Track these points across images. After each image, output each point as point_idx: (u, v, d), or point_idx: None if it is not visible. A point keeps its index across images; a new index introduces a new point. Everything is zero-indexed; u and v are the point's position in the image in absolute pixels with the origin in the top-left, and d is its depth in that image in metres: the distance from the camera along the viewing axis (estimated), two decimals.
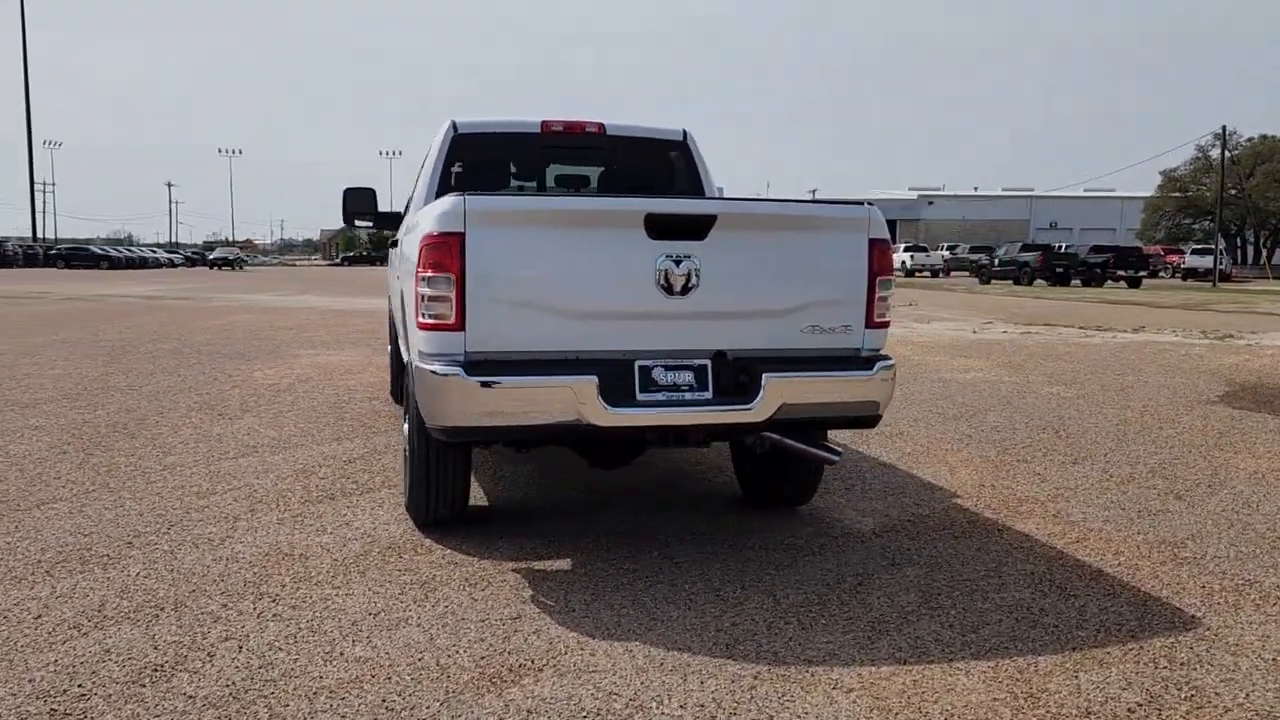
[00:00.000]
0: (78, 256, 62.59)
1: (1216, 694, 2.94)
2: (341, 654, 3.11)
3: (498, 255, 3.66)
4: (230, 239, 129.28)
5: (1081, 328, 16.84)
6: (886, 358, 4.10)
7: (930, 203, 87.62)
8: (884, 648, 3.24)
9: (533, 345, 3.74)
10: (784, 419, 3.91)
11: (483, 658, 3.11)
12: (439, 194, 4.92)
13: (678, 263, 3.76)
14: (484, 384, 3.61)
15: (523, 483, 5.46)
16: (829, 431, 4.54)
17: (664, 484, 5.53)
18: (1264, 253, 67.42)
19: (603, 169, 6.16)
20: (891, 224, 77.43)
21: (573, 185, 6.35)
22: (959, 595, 3.75)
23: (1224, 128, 55.55)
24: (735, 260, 3.86)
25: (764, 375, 3.82)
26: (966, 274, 52.73)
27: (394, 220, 6.23)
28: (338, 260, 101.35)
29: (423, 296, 3.68)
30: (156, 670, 2.97)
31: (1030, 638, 3.34)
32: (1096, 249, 43.13)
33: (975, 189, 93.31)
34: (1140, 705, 2.86)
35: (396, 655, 3.11)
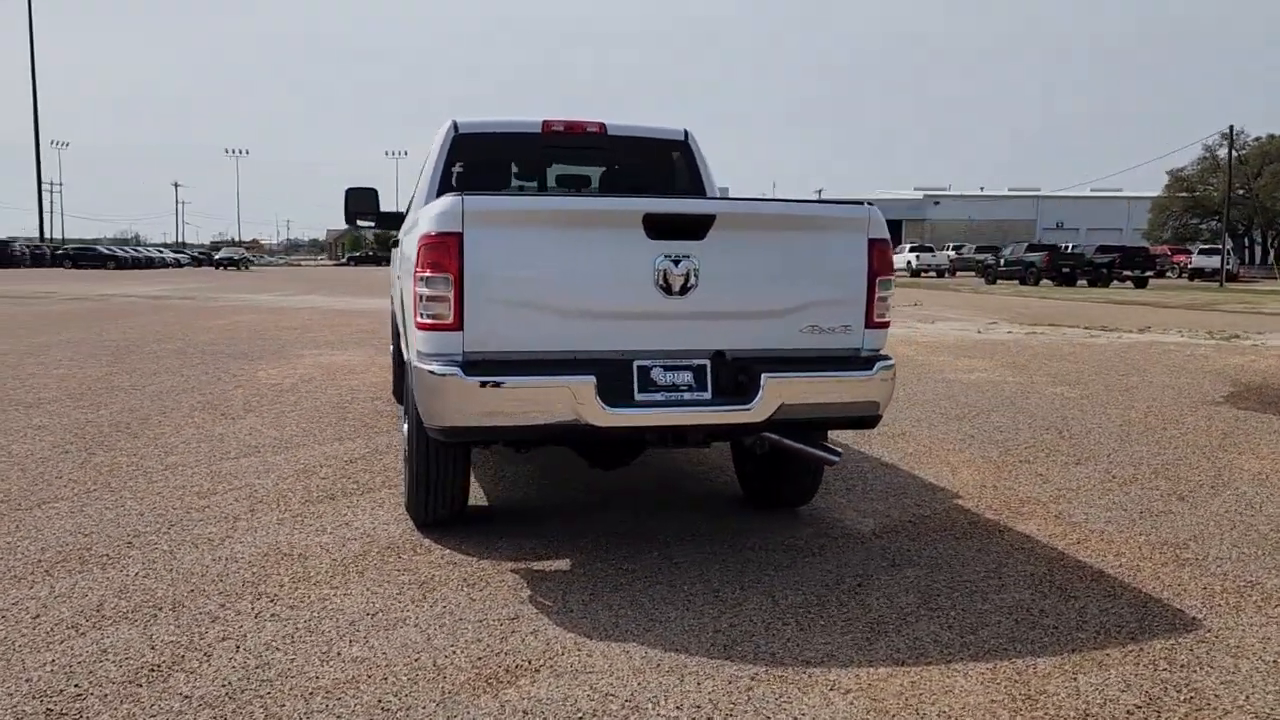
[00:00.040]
0: (84, 256, 62.86)
1: (1216, 696, 2.92)
2: (338, 654, 3.11)
3: (496, 255, 3.66)
4: (236, 239, 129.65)
5: (1087, 328, 16.79)
6: (886, 358, 4.09)
7: (936, 203, 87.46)
8: (882, 649, 3.23)
9: (531, 345, 3.74)
10: (783, 419, 3.90)
11: (479, 658, 3.10)
12: (440, 194, 4.92)
13: (676, 263, 3.75)
14: (482, 384, 3.60)
15: (523, 483, 5.45)
16: (829, 432, 4.53)
17: (664, 484, 5.52)
18: (1271, 253, 67.19)
19: (604, 169, 6.15)
20: (897, 224, 77.87)
21: (574, 185, 6.34)
22: (958, 596, 3.73)
23: (1231, 127, 55.43)
24: (734, 260, 3.85)
25: (763, 375, 3.81)
26: (972, 274, 52.62)
27: (396, 220, 6.24)
28: (343, 260, 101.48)
29: (421, 296, 3.68)
30: (153, 670, 2.97)
31: (1029, 639, 3.33)
32: (1103, 249, 43.03)
33: (981, 189, 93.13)
34: (1139, 707, 2.84)
35: (393, 655, 3.11)
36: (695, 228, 3.78)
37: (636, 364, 3.78)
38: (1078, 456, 6.26)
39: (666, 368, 3.81)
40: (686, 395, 3.81)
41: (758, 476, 4.93)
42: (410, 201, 6.00)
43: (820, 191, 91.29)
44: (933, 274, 55.42)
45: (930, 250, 58.60)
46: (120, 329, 14.67)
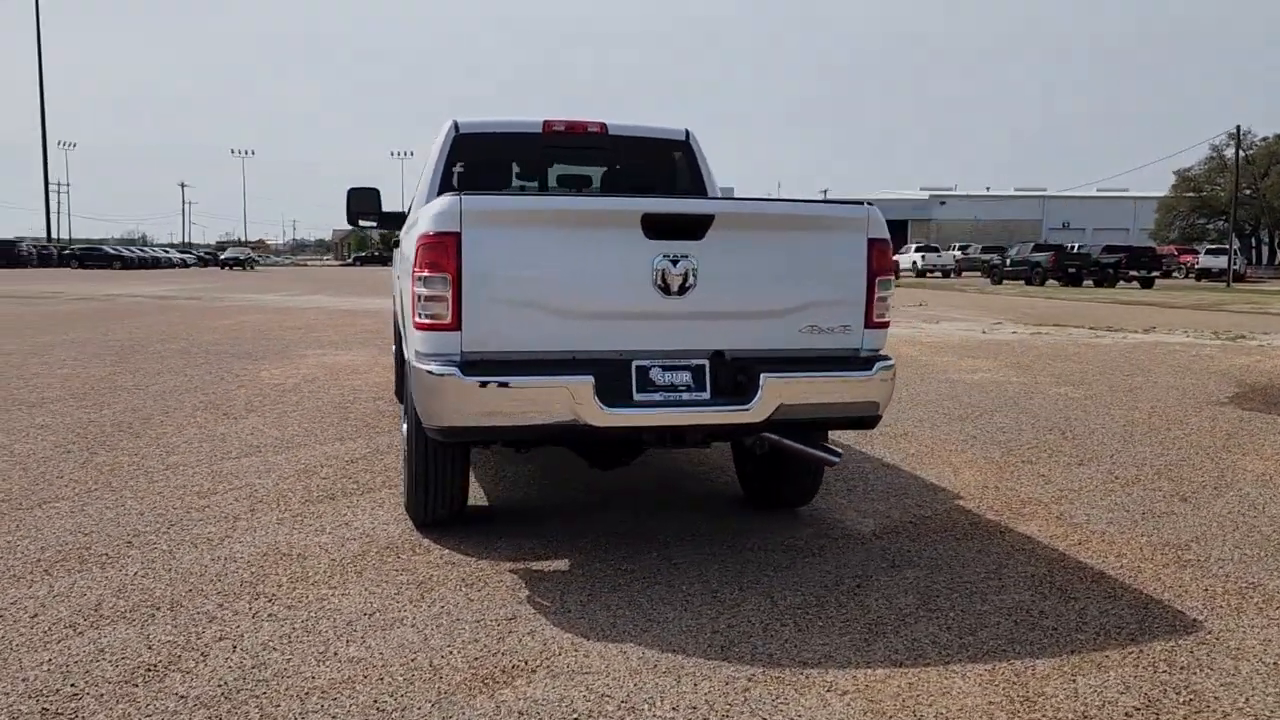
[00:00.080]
0: (91, 257, 63.03)
1: (1215, 698, 2.91)
2: (335, 654, 3.11)
3: (494, 255, 3.65)
4: (243, 239, 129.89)
5: (1092, 328, 16.74)
6: (886, 358, 4.08)
7: (942, 203, 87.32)
8: (880, 650, 3.22)
9: (529, 345, 3.73)
10: (782, 419, 3.88)
11: (476, 658, 3.10)
12: (440, 194, 4.92)
13: (675, 262, 3.74)
14: (480, 384, 3.60)
15: (523, 483, 5.45)
16: (830, 433, 4.52)
17: (664, 484, 5.51)
18: (1279, 253, 66.93)
19: (605, 169, 6.15)
20: (903, 224, 77.75)
21: (575, 185, 6.34)
22: (958, 597, 3.72)
23: (1238, 127, 55.13)
24: (733, 260, 3.84)
25: (762, 375, 3.80)
26: (978, 274, 52.51)
27: (398, 220, 6.23)
28: (349, 260, 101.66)
29: (419, 296, 3.67)
30: (150, 670, 2.97)
31: (1028, 640, 3.31)
32: (1109, 249, 42.88)
33: (987, 189, 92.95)
34: (1138, 709, 2.83)
35: (390, 656, 3.11)
36: (694, 227, 3.77)
37: (635, 364, 3.78)
38: (1080, 457, 6.23)
39: (665, 368, 3.80)
40: (685, 395, 3.80)
41: (758, 477, 4.91)
42: (411, 201, 6.00)
43: (826, 191, 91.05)
44: (938, 274, 55.32)
45: (936, 250, 58.49)
46: (125, 329, 14.70)
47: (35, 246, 62.97)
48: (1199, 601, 3.71)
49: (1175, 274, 52.21)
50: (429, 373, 3.65)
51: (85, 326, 15.06)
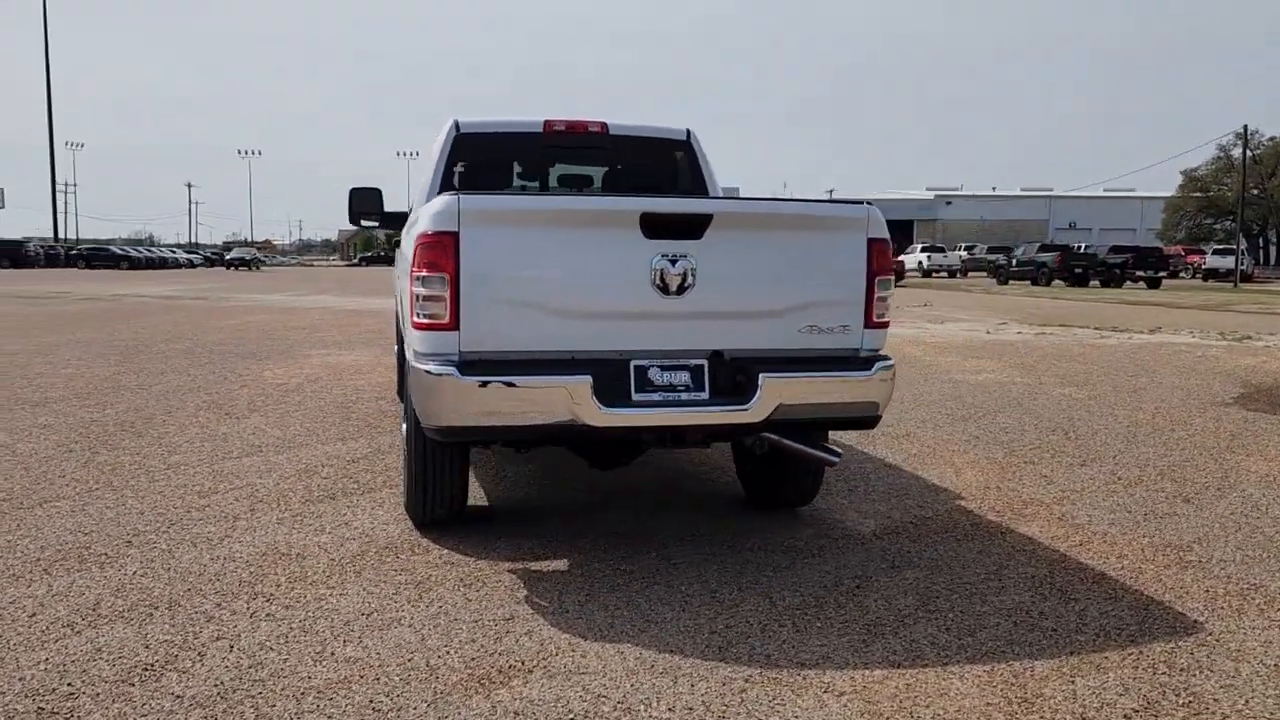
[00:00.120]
0: (98, 257, 63.24)
1: (1215, 700, 2.89)
2: (332, 654, 3.11)
3: (493, 254, 3.65)
4: (249, 239, 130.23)
5: (1097, 329, 16.70)
6: (886, 358, 4.06)
7: (948, 203, 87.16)
8: (879, 651, 3.21)
9: (528, 345, 3.73)
10: (782, 419, 3.87)
11: (473, 659, 3.09)
12: (440, 194, 4.92)
13: (674, 262, 3.73)
14: (478, 384, 3.59)
15: (523, 483, 5.45)
16: (831, 433, 4.50)
17: (664, 484, 5.50)
18: None
19: (606, 169, 6.14)
20: (909, 224, 77.60)
21: (576, 185, 6.34)
22: (957, 598, 3.70)
23: (1245, 127, 55.03)
24: (732, 260, 3.83)
25: (761, 375, 3.79)
26: (984, 274, 52.41)
27: (400, 220, 6.23)
28: (355, 260, 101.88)
29: (418, 296, 3.67)
30: (146, 669, 2.97)
31: (1028, 641, 3.30)
32: (1116, 249, 42.75)
33: (994, 189, 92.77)
34: (1137, 711, 2.81)
35: (387, 656, 3.10)
36: (693, 227, 3.76)
37: (633, 364, 3.77)
38: (1083, 458, 6.21)
39: (664, 368, 3.80)
40: (684, 395, 3.79)
41: (758, 477, 4.90)
42: (412, 201, 6.01)
43: (831, 191, 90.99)
44: (944, 274, 55.16)
45: (942, 250, 58.34)
46: (131, 329, 14.74)
47: (42, 247, 63.22)
48: (1200, 603, 3.69)
49: (1182, 274, 52.08)
50: (427, 372, 3.64)
51: (91, 326, 15.10)
